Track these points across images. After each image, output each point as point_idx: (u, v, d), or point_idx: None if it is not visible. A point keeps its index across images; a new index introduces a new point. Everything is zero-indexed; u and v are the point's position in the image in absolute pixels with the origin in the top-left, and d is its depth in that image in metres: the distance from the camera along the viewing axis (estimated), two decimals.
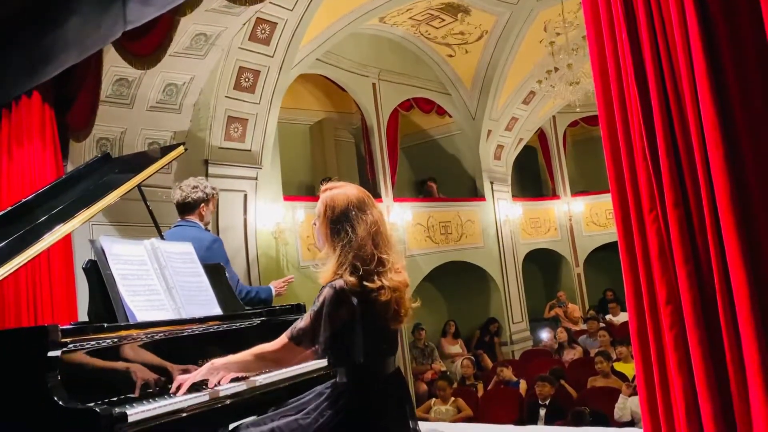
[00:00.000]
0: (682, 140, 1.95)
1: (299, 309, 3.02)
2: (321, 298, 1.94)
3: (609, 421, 5.50)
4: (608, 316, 10.66)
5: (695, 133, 1.90)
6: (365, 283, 1.91)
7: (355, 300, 1.92)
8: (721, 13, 1.91)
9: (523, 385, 6.99)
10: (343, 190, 2.05)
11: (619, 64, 2.09)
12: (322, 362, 2.56)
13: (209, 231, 3.62)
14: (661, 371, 1.99)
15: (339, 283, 1.93)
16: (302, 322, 1.99)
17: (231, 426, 2.25)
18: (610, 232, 11.52)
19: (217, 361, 2.16)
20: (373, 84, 9.26)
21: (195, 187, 3.49)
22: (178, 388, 2.17)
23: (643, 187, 2.03)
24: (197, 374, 2.17)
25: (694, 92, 1.90)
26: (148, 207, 3.18)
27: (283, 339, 2.03)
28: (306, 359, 2.20)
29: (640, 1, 2.03)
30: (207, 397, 2.22)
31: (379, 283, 1.92)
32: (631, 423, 5.40)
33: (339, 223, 1.98)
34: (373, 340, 1.97)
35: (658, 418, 1.99)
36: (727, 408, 1.84)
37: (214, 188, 3.59)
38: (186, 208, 3.47)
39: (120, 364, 2.19)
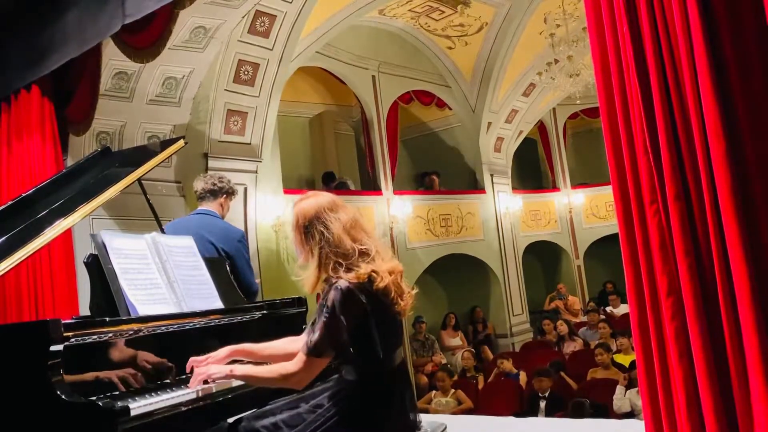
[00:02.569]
0: (683, 132, 1.95)
1: (300, 302, 3.02)
2: (329, 304, 1.90)
3: (609, 413, 5.52)
4: (608, 308, 10.68)
5: (696, 125, 1.90)
6: (354, 274, 1.91)
7: (363, 297, 1.90)
8: (723, 5, 1.90)
9: (523, 377, 7.01)
10: (312, 198, 2.06)
11: (620, 56, 2.09)
12: None
13: None
14: (662, 362, 1.99)
15: (342, 283, 1.91)
16: (315, 334, 1.93)
17: (233, 418, 2.26)
18: (611, 224, 11.52)
19: (237, 370, 2.10)
20: (373, 76, 9.24)
21: (221, 178, 3.64)
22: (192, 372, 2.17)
23: (644, 179, 2.03)
24: (213, 374, 2.11)
25: (696, 85, 1.89)
26: (148, 201, 3.18)
27: (301, 357, 1.95)
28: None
29: None
30: (210, 390, 2.22)
31: (369, 269, 1.91)
32: (631, 414, 5.42)
33: (312, 226, 1.98)
34: (382, 335, 1.96)
35: (658, 409, 2.00)
36: (727, 399, 1.85)
37: (236, 189, 3.75)
38: (210, 194, 3.56)
39: (122, 358, 2.20)
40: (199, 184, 3.62)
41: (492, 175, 10.68)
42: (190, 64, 5.47)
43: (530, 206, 11.87)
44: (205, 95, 5.94)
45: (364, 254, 1.95)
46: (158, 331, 2.33)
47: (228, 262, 3.20)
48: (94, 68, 4.51)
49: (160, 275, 2.57)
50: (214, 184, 3.58)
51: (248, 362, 2.26)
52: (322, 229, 1.97)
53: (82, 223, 2.96)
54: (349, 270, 1.93)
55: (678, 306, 1.94)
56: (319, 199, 2.05)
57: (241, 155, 6.41)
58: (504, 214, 10.79)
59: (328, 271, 1.95)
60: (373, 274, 1.91)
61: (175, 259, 2.67)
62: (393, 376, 2.03)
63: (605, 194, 11.68)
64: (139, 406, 2.00)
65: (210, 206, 3.56)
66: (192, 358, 2.20)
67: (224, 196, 3.60)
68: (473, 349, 8.91)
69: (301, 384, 2.00)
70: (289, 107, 8.86)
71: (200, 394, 2.20)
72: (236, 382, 2.30)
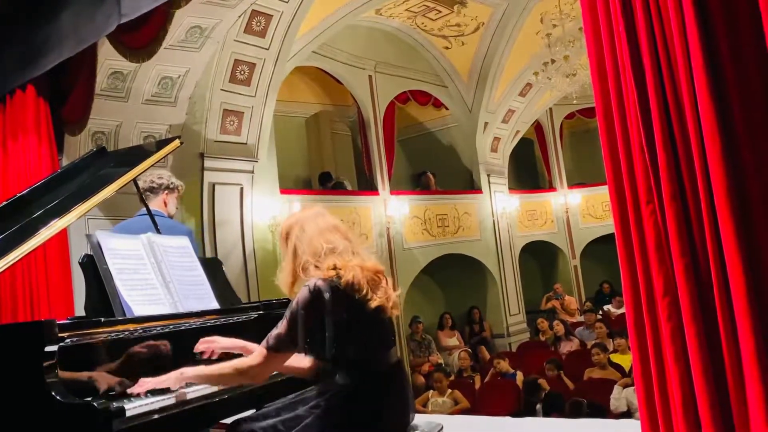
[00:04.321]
0: (679, 133, 1.95)
1: None
2: (295, 300, 1.96)
3: (606, 413, 5.52)
4: (609, 307, 10.70)
5: (692, 125, 1.90)
6: (322, 271, 1.96)
7: (329, 294, 1.93)
8: (719, 5, 1.91)
9: (519, 377, 7.02)
10: (299, 212, 2.19)
11: (616, 56, 2.09)
12: None
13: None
14: (658, 363, 2.00)
15: (312, 282, 1.96)
16: (277, 329, 1.98)
17: (230, 419, 2.25)
18: (607, 225, 11.54)
19: (188, 371, 2.08)
20: (370, 76, 9.23)
21: (160, 175, 3.50)
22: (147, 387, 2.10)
23: (640, 180, 2.03)
24: (162, 381, 2.08)
25: (692, 85, 1.90)
26: (144, 201, 3.17)
27: (261, 351, 1.98)
28: (297, 370, 2.18)
29: None
30: (206, 391, 2.22)
31: (332, 263, 1.96)
32: (628, 414, 5.43)
33: (291, 231, 2.11)
34: (360, 333, 1.97)
35: (654, 409, 2.00)
36: (723, 399, 1.85)
37: (180, 184, 3.57)
38: (150, 192, 3.41)
39: (118, 359, 2.19)
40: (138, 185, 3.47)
41: (489, 175, 10.69)
42: (186, 64, 5.46)
43: (527, 206, 11.88)
44: (201, 95, 5.93)
45: (331, 251, 2.01)
46: (154, 331, 2.32)
47: None
48: (90, 68, 4.50)
49: (156, 276, 2.56)
50: (153, 182, 3.43)
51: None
52: (298, 232, 2.08)
53: (77, 223, 2.95)
54: (318, 268, 1.99)
55: (674, 306, 1.94)
56: (305, 211, 2.18)
57: (237, 155, 6.40)
58: (501, 214, 10.80)
59: (300, 269, 2.03)
60: (338, 267, 1.95)
61: (171, 259, 2.66)
62: (387, 377, 2.03)
63: (602, 194, 11.70)
64: (134, 406, 2.00)
65: (153, 205, 3.38)
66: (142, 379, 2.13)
67: (165, 192, 3.44)
68: (470, 349, 8.92)
69: (258, 378, 2.04)
70: (285, 107, 8.85)
71: (197, 395, 2.19)
72: None
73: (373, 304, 1.98)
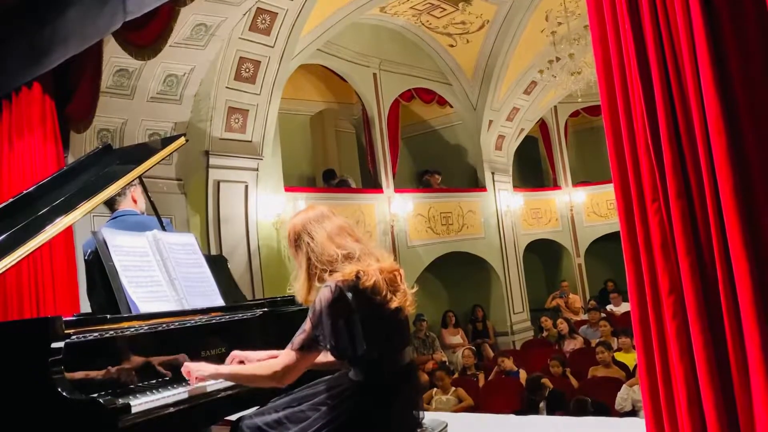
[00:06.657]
0: (684, 131, 1.95)
1: None
2: (317, 300, 1.95)
3: (610, 411, 5.51)
4: (609, 307, 10.67)
5: (698, 123, 1.90)
6: (341, 273, 1.95)
7: (350, 294, 1.93)
8: (725, 1, 1.90)
9: (523, 375, 7.01)
10: (302, 213, 2.16)
11: (621, 53, 2.09)
12: None
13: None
14: (663, 361, 1.99)
15: (332, 282, 1.95)
16: (303, 330, 1.97)
17: (235, 416, 2.26)
18: (611, 223, 11.51)
19: (223, 369, 2.15)
20: (374, 74, 9.23)
21: None
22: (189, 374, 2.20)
23: (645, 177, 2.02)
24: (199, 369, 2.16)
25: (698, 82, 1.89)
26: (149, 198, 3.18)
27: (288, 352, 1.98)
28: (326, 364, 2.19)
29: None
30: (211, 388, 2.23)
31: (354, 269, 1.95)
32: (633, 412, 5.42)
33: (300, 239, 2.07)
34: (380, 333, 1.97)
35: (659, 407, 2.00)
36: (728, 397, 1.85)
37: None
38: (117, 195, 3.25)
39: (123, 355, 2.20)
40: None
41: (493, 173, 10.68)
42: (191, 62, 5.47)
43: (531, 204, 11.86)
44: (206, 93, 5.94)
45: (347, 258, 1.99)
46: (159, 328, 2.33)
47: None
48: (96, 66, 4.51)
49: (162, 273, 2.57)
50: None
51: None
52: (308, 240, 2.05)
53: (83, 220, 2.96)
54: (334, 272, 1.97)
55: (679, 304, 1.94)
56: (308, 212, 2.14)
57: (242, 153, 6.41)
58: (505, 212, 10.79)
59: (315, 279, 2.01)
60: (360, 272, 1.94)
61: (176, 256, 2.67)
62: (400, 376, 2.04)
63: (606, 192, 11.68)
64: (140, 403, 2.01)
65: (125, 206, 3.29)
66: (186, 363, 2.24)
67: (131, 189, 3.29)
68: (474, 347, 8.92)
69: (287, 380, 2.01)
70: (290, 105, 8.85)
71: (201, 392, 2.20)
72: None
73: (393, 305, 1.98)
